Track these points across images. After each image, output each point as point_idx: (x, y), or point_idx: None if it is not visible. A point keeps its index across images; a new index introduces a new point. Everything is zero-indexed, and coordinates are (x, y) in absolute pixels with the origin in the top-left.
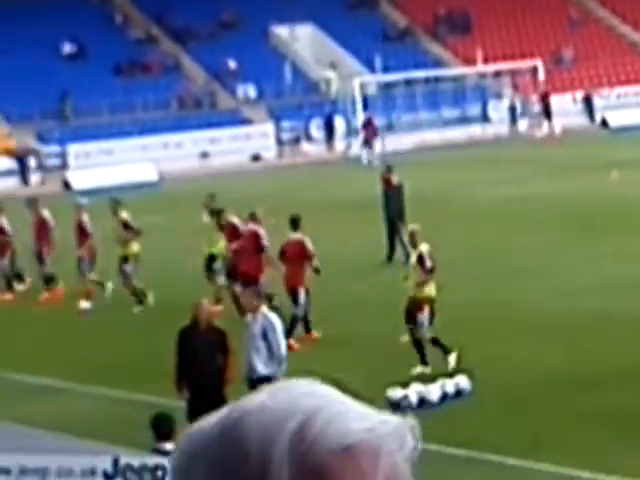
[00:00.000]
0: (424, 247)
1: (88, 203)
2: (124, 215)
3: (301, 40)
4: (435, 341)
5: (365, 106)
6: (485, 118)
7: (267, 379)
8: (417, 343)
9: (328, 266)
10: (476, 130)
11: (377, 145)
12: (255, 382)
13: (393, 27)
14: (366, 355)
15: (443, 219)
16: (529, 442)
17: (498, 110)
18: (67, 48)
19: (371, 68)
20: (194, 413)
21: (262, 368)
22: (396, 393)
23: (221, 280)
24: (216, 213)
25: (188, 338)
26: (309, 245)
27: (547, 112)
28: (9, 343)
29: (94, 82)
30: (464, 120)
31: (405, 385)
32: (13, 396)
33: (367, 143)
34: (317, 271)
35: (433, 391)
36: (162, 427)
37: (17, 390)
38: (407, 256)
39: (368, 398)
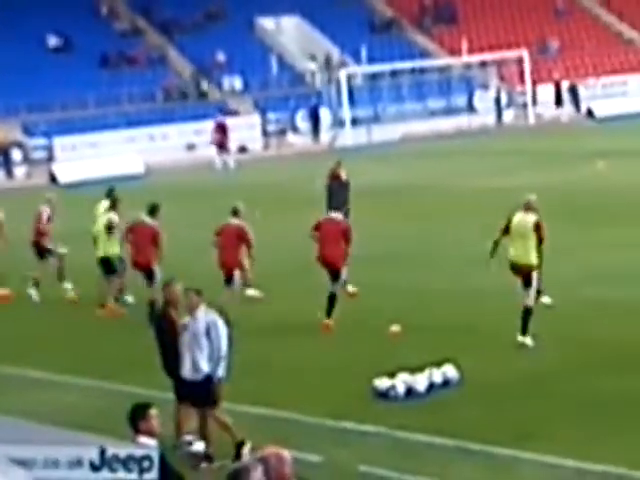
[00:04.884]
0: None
1: None
2: None
3: (287, 32)
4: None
5: (351, 97)
6: (471, 108)
7: (209, 378)
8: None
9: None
10: (462, 121)
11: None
12: (200, 383)
13: (379, 18)
14: (353, 344)
15: (430, 209)
16: (516, 432)
17: (484, 100)
18: (53, 41)
19: (357, 59)
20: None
21: (206, 367)
22: (383, 383)
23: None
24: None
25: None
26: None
27: (560, 99)
28: None
29: (80, 75)
30: (450, 111)
31: (392, 375)
32: None
33: (221, 147)
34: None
35: (420, 381)
36: (138, 420)
37: (1, 383)
38: None
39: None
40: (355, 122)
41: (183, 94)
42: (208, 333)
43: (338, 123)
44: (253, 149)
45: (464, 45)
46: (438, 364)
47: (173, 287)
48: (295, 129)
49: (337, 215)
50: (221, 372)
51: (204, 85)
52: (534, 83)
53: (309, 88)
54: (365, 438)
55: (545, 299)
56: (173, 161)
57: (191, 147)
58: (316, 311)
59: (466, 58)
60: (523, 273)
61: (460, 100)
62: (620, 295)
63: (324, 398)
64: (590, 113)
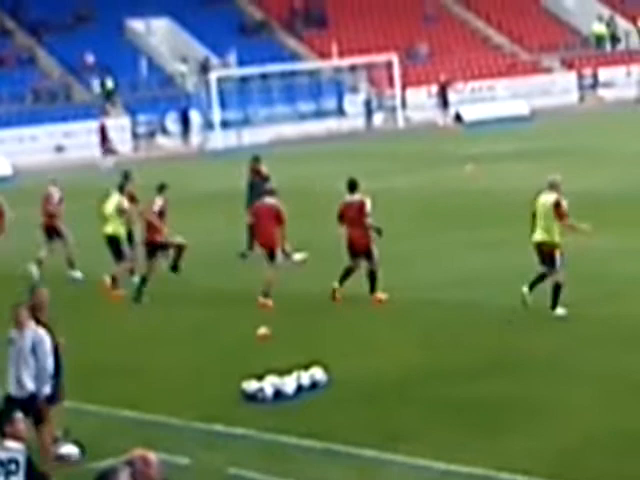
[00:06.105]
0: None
1: None
2: None
3: (157, 34)
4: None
5: (221, 100)
6: (341, 112)
7: (34, 397)
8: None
9: (186, 259)
10: (332, 124)
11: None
12: (25, 400)
13: (249, 21)
14: (221, 347)
15: (302, 213)
16: (385, 434)
17: (354, 104)
18: None
19: (227, 61)
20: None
21: (31, 385)
22: (251, 386)
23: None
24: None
25: None
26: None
27: (445, 102)
28: None
29: None
30: (320, 114)
31: (260, 378)
32: None
33: (104, 147)
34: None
35: (288, 384)
36: (3, 424)
37: None
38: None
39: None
40: (225, 125)
41: (52, 95)
42: (34, 350)
43: (208, 126)
44: (123, 151)
45: (334, 49)
46: (306, 367)
47: (40, 291)
48: (165, 131)
49: (269, 199)
50: (48, 390)
51: (108, 83)
52: (403, 87)
53: (179, 90)
54: (234, 441)
55: (560, 311)
56: (41, 163)
57: (60, 149)
58: (188, 315)
59: (336, 62)
60: (546, 252)
61: (330, 103)
62: (479, 297)
63: (192, 401)
64: (458, 117)
